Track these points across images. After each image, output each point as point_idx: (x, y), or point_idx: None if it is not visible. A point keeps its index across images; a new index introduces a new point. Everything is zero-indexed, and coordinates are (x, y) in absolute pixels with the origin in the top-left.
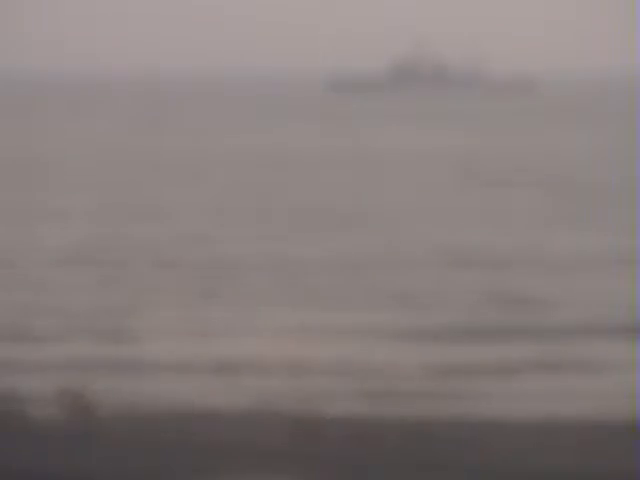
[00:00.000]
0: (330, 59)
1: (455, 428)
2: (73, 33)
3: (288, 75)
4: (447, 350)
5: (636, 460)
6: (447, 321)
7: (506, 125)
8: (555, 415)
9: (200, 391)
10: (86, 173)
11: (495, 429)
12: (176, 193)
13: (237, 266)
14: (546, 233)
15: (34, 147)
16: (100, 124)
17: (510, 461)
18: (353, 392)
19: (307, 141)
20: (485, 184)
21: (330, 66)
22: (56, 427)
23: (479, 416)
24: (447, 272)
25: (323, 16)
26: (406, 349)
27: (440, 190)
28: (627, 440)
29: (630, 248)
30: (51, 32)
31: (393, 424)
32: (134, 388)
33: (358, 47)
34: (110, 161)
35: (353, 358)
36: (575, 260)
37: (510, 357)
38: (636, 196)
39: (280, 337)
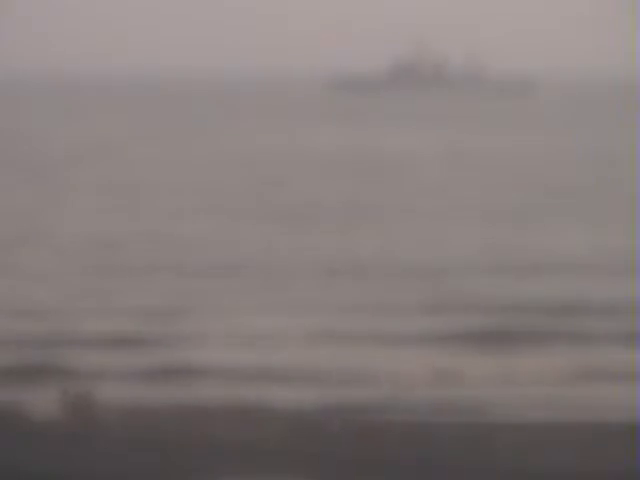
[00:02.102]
0: (330, 59)
1: (455, 428)
2: (66, 32)
3: (288, 75)
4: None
5: (636, 460)
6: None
7: (505, 126)
8: (555, 415)
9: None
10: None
11: (495, 429)
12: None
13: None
14: (556, 234)
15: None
16: (104, 125)
17: (510, 461)
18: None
19: (306, 141)
20: (487, 186)
21: (330, 66)
22: (56, 427)
23: (479, 416)
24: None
25: (323, 16)
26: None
27: (445, 191)
28: (627, 440)
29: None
30: (43, 31)
31: (393, 424)
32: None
33: (358, 47)
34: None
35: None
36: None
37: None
38: (637, 197)
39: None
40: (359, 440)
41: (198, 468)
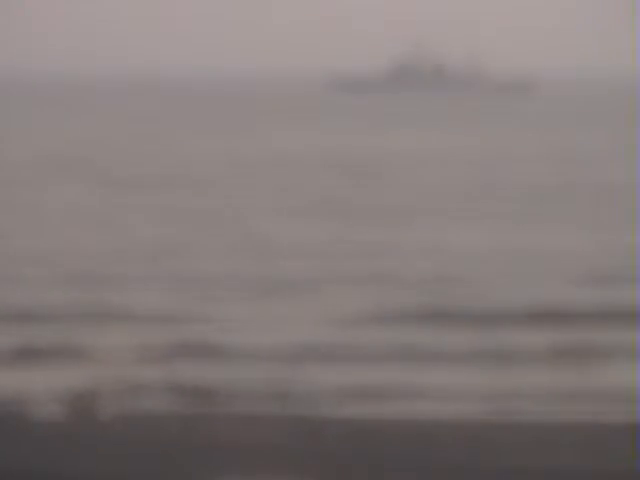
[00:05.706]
0: (330, 59)
1: (455, 428)
2: (61, 32)
3: (288, 75)
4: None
5: (636, 460)
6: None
7: (505, 125)
8: (555, 415)
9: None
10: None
11: (495, 429)
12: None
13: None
14: (554, 234)
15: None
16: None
17: (510, 461)
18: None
19: (306, 142)
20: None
21: (330, 66)
22: (57, 427)
23: (479, 416)
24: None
25: (323, 16)
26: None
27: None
28: (627, 440)
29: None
30: (30, 31)
31: (393, 424)
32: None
33: (358, 47)
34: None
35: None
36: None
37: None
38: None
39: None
40: (359, 440)
41: (198, 468)
